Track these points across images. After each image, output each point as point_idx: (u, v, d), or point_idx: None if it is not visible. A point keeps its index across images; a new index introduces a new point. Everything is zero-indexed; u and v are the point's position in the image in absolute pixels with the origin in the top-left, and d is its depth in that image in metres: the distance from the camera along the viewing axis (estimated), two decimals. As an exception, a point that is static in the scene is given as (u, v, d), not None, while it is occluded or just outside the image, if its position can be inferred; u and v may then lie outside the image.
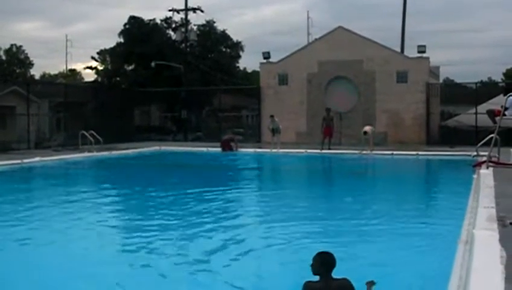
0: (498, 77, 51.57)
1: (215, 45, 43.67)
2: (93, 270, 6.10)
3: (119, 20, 62.71)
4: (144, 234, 7.89)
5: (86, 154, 21.13)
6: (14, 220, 8.92)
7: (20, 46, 60.67)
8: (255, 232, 8.37)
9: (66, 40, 66.15)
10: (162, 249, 7.03)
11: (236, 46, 44.86)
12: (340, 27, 29.09)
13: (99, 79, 45.40)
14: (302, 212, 10.01)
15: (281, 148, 23.24)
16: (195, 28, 41.62)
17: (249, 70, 50.91)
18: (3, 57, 58.04)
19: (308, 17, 60.40)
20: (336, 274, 4.57)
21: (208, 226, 8.47)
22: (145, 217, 9.39)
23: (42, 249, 7.16)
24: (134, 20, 41.79)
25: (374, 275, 5.90)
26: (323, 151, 22.47)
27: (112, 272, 6.04)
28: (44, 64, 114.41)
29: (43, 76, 65.44)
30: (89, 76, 73.21)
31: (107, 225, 8.84)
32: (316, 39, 32.14)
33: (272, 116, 24.64)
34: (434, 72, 31.24)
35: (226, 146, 23.80)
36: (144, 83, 35.46)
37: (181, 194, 12.03)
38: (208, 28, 43.39)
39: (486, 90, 31.23)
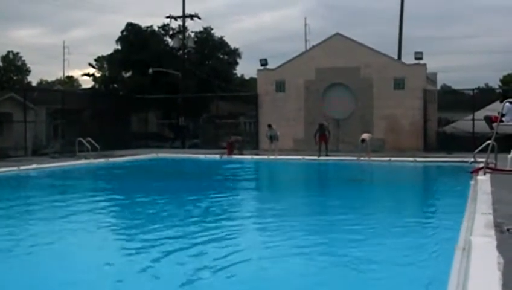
0: (495, 84, 51.77)
1: (213, 52, 43.76)
2: (80, 278, 6.07)
3: (117, 27, 62.99)
4: (133, 245, 7.83)
5: (83, 161, 21.08)
6: (5, 227, 8.88)
7: (17, 53, 60.71)
8: (252, 241, 8.34)
9: (64, 47, 65.94)
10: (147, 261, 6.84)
11: (234, 53, 44.96)
12: (337, 34, 29.16)
13: (97, 86, 45.46)
14: (298, 222, 9.99)
15: (278, 155, 23.24)
16: (192, 34, 41.70)
17: (247, 77, 51.00)
18: (0, 64, 58.00)
19: (305, 24, 60.57)
20: (335, 283, 4.53)
21: (199, 235, 8.38)
22: (136, 228, 9.24)
23: (30, 257, 7.08)
24: (131, 27, 41.87)
25: (369, 282, 5.90)
26: (321, 158, 22.47)
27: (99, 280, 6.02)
28: (42, 71, 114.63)
29: (40, 83, 65.43)
30: (87, 83, 73.23)
31: (98, 234, 8.74)
32: (313, 46, 32.20)
33: (269, 125, 24.61)
34: (431, 78, 31.31)
35: (230, 148, 24.11)
36: (142, 89, 35.45)
37: (175, 203, 12.02)
38: (206, 35, 43.49)
39: (483, 96, 31.29)
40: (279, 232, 8.66)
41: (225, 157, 23.49)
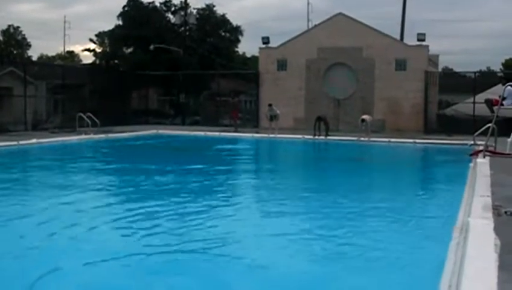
0: (497, 67, 51.44)
1: (215, 29, 43.44)
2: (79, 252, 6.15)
3: (118, 3, 62.01)
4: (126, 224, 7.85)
5: (83, 136, 21.10)
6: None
7: (18, 27, 60.22)
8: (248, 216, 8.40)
9: (65, 22, 65.71)
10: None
11: (236, 31, 44.64)
12: (340, 13, 28.95)
13: (98, 61, 45.19)
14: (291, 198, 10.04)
15: (278, 133, 23.27)
16: (194, 11, 41.43)
17: (248, 55, 50.70)
18: (0, 38, 57.66)
19: (308, 3, 59.88)
20: (333, 260, 4.57)
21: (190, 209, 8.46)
22: (132, 201, 9.32)
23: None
24: (133, 3, 41.51)
25: (367, 263, 5.96)
26: (321, 137, 22.44)
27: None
28: (42, 46, 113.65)
29: (41, 57, 65.09)
30: (87, 58, 72.82)
31: (93, 209, 8.64)
32: (315, 25, 32.00)
33: (270, 104, 24.58)
34: (433, 60, 31.17)
35: (235, 116, 25.14)
36: (142, 65, 35.30)
37: (170, 178, 12.08)
38: (208, 12, 43.15)
39: (484, 79, 31.17)
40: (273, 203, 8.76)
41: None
